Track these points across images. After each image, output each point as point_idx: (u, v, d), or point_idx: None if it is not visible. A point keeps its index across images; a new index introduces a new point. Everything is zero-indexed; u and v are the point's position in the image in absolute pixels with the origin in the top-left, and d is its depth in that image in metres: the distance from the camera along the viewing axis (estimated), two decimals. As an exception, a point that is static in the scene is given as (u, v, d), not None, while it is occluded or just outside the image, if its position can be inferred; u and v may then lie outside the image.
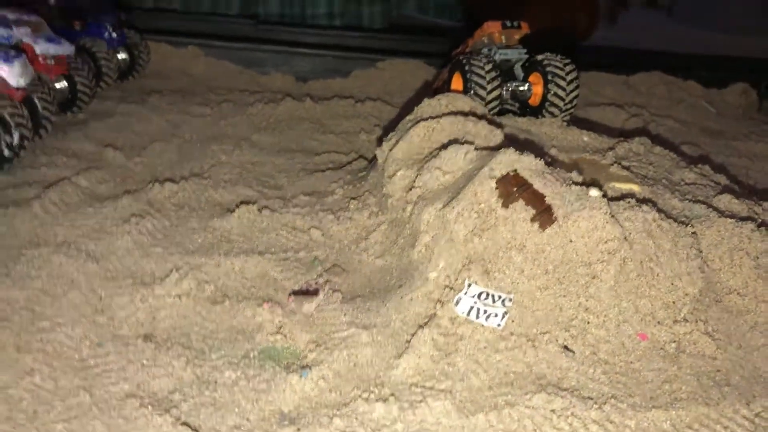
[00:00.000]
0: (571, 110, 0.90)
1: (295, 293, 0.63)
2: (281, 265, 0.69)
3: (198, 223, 0.76)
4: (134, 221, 0.73)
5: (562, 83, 0.88)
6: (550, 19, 2.07)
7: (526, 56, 0.91)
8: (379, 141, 0.87)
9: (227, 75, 1.39)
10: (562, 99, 0.88)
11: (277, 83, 1.38)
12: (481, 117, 0.80)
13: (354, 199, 0.82)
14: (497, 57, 0.89)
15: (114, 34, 1.20)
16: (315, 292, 0.63)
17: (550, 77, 0.88)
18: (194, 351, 0.57)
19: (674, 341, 0.57)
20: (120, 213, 0.76)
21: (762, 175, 1.06)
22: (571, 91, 0.88)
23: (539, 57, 0.90)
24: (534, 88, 0.90)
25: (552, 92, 0.88)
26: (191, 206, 0.80)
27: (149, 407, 0.50)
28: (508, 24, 0.88)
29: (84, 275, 0.64)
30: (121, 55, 1.25)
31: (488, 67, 0.86)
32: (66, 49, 1.03)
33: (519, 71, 0.91)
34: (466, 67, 0.86)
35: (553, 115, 0.90)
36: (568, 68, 0.88)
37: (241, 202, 0.80)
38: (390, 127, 1.09)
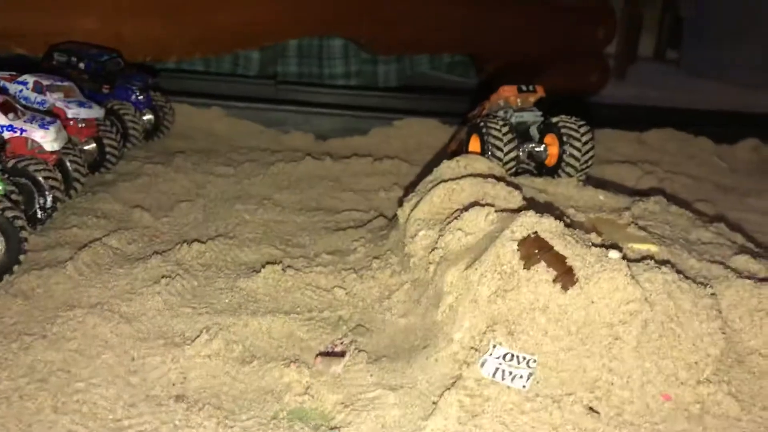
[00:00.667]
0: (587, 170, 0.93)
1: (322, 354, 0.65)
2: (307, 325, 0.71)
3: (225, 283, 0.78)
4: (164, 282, 0.75)
5: (577, 144, 0.90)
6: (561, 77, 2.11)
7: (542, 118, 0.94)
8: (400, 201, 0.89)
9: (249, 134, 1.43)
10: (578, 159, 0.91)
11: (297, 142, 1.42)
12: (499, 179, 0.82)
13: (376, 258, 0.84)
14: (513, 119, 0.92)
15: (141, 97, 1.24)
16: (342, 354, 0.64)
17: (565, 138, 0.90)
18: (225, 411, 0.58)
19: (698, 402, 0.57)
20: (150, 274, 0.78)
21: (777, 231, 1.08)
22: (587, 152, 0.90)
23: (554, 119, 0.93)
24: (550, 149, 0.92)
25: (567, 153, 0.91)
26: (218, 266, 0.82)
27: (183, 469, 0.51)
28: (524, 88, 0.92)
29: (117, 336, 0.66)
30: (147, 116, 1.28)
31: (505, 129, 0.88)
32: (96, 112, 1.07)
33: (535, 133, 0.94)
34: (484, 130, 0.89)
35: (569, 174, 0.92)
36: (582, 129, 0.91)
37: (267, 262, 0.82)
38: (409, 185, 1.12)
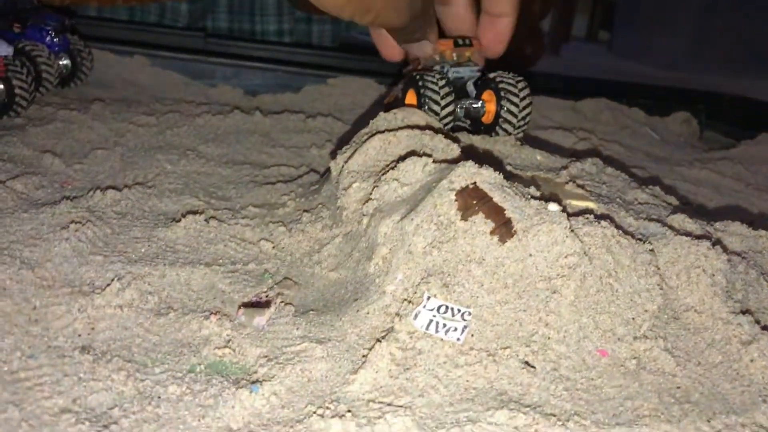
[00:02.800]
0: (524, 127, 0.90)
1: (245, 305, 0.60)
2: (229, 278, 0.66)
3: (141, 232, 0.72)
4: (73, 228, 0.69)
5: (515, 100, 0.87)
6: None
7: (479, 74, 0.90)
8: (333, 154, 0.85)
9: (174, 86, 1.35)
10: (515, 116, 0.88)
11: (225, 96, 1.35)
12: (437, 131, 0.79)
13: (307, 211, 0.80)
14: (450, 74, 0.88)
15: (56, 39, 1.15)
16: (266, 305, 0.60)
17: (503, 94, 0.87)
18: (136, 364, 0.53)
19: (635, 358, 0.56)
20: (58, 219, 0.71)
21: (707, 199, 1.09)
22: (524, 108, 0.88)
23: (492, 75, 0.90)
24: (487, 105, 0.89)
25: (505, 109, 0.87)
26: (134, 215, 0.77)
27: (86, 423, 0.46)
28: (460, 42, 0.88)
29: (17, 283, 0.60)
30: (63, 61, 1.19)
31: (442, 83, 0.85)
32: (3, 50, 0.98)
33: (472, 89, 0.90)
34: (420, 83, 0.85)
35: (506, 132, 0.89)
36: (520, 85, 0.88)
37: (188, 212, 0.77)
38: (342, 142, 1.08)
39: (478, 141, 0.88)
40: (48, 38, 1.14)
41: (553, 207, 0.62)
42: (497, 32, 0.87)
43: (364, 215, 0.70)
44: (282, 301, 0.62)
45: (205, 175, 0.93)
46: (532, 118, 0.93)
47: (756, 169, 1.27)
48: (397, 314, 0.57)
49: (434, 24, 0.86)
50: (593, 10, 5.34)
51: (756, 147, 1.36)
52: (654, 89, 1.78)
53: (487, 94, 0.89)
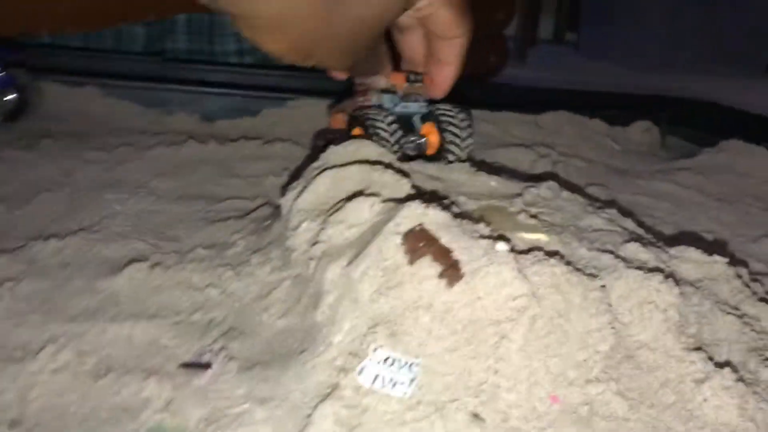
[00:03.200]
0: (469, 154, 0.90)
1: (185, 366, 0.58)
2: (173, 330, 0.64)
3: (83, 284, 0.70)
4: (8, 285, 0.66)
5: (456, 131, 0.88)
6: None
7: (426, 110, 0.90)
8: (284, 190, 0.83)
9: (128, 116, 1.33)
10: (458, 146, 0.88)
11: (181, 124, 1.33)
12: (388, 165, 0.77)
13: (256, 252, 0.78)
14: (397, 109, 0.88)
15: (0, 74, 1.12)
16: (207, 365, 0.58)
17: (444, 126, 0.87)
18: (70, 436, 0.51)
19: (586, 403, 0.55)
20: (-7, 277, 0.69)
21: (666, 214, 1.08)
22: (466, 137, 0.88)
23: (431, 108, 0.89)
24: (429, 138, 0.89)
25: (448, 140, 0.88)
26: (77, 264, 0.74)
27: None
28: (412, 77, 0.87)
29: (-57, 352, 0.57)
30: (9, 96, 1.17)
31: (389, 120, 0.84)
32: (-58, 91, 0.95)
33: (418, 123, 0.90)
34: (368, 123, 0.84)
35: (450, 162, 0.89)
36: (460, 116, 0.88)
37: (132, 259, 0.74)
38: (298, 171, 1.06)
39: (434, 169, 0.87)
40: (-9, 74, 1.11)
41: (501, 246, 0.61)
42: (441, 78, 0.87)
43: (312, 258, 0.68)
44: (226, 356, 0.60)
45: (155, 213, 0.90)
46: (493, 134, 0.92)
47: (716, 178, 1.27)
48: (343, 369, 0.55)
49: (385, 58, 0.85)
50: (559, 10, 5.37)
51: (717, 155, 1.36)
52: (615, 97, 1.78)
53: (428, 127, 0.89)
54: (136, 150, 1.12)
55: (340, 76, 0.90)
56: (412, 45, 0.87)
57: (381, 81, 0.87)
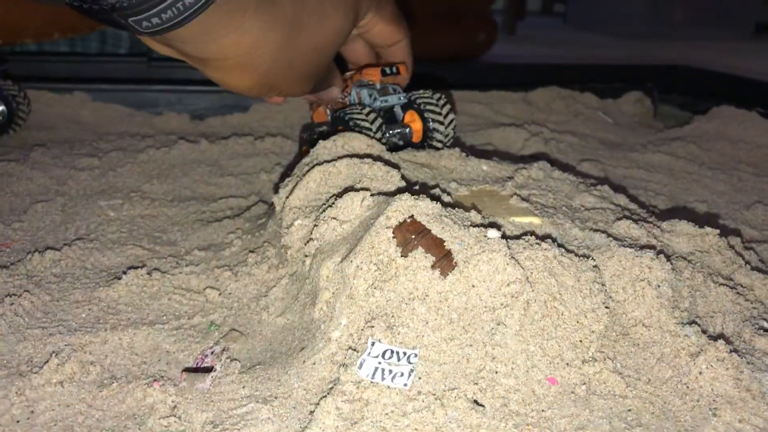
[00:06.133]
0: (452, 137, 0.91)
1: (187, 370, 0.59)
2: (174, 335, 0.65)
3: (82, 294, 0.71)
4: (8, 301, 0.67)
5: (438, 117, 0.88)
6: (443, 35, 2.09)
7: (406, 100, 0.90)
8: (276, 187, 0.83)
9: (117, 119, 1.33)
10: (441, 132, 0.89)
11: (171, 124, 1.33)
12: (377, 158, 0.78)
13: (253, 251, 0.78)
14: (377, 104, 0.88)
15: (-13, 87, 1.12)
16: (209, 369, 0.59)
17: (426, 114, 0.88)
18: (78, 447, 0.52)
19: (584, 383, 0.55)
20: (-7, 292, 0.69)
21: (659, 186, 1.09)
22: (449, 122, 0.88)
23: (411, 96, 0.90)
24: (413, 126, 0.89)
25: (431, 127, 0.88)
26: (75, 275, 0.75)
27: None
28: (387, 71, 0.88)
29: (-51, 372, 0.58)
30: (-2, 108, 1.17)
31: (371, 116, 0.84)
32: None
33: (399, 111, 0.90)
34: (351, 123, 0.84)
35: (436, 148, 0.89)
36: (440, 101, 0.88)
37: (130, 267, 0.75)
38: (289, 168, 1.06)
39: (424, 157, 0.87)
40: (-21, 87, 1.11)
41: (493, 233, 0.62)
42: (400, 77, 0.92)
43: (306, 256, 0.69)
44: (228, 357, 0.61)
45: (149, 218, 0.91)
46: (484, 114, 0.92)
47: (709, 146, 1.27)
48: (343, 364, 0.56)
49: (335, 72, 0.89)
50: (547, -18, 5.34)
51: (708, 123, 1.36)
52: (605, 69, 1.78)
53: (410, 115, 0.89)
54: (127, 154, 1.12)
55: (278, 101, 0.92)
56: (357, 52, 0.93)
57: (334, 92, 0.90)
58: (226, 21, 0.63)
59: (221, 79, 0.70)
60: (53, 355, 0.60)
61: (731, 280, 0.69)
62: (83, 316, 0.67)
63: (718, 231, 0.72)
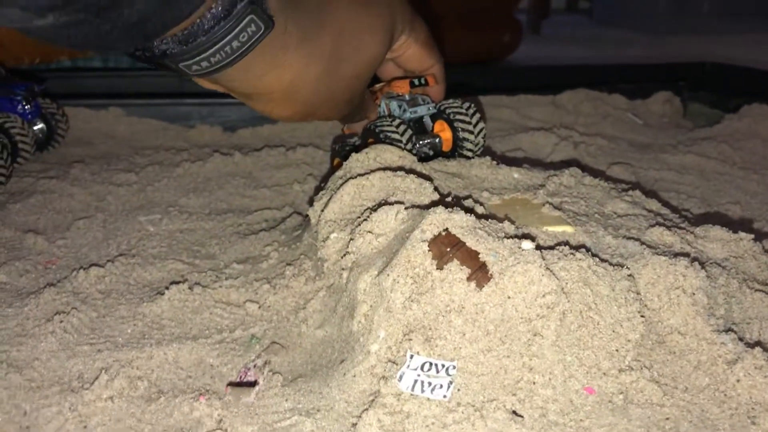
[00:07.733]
0: (483, 146, 0.91)
1: (232, 384, 0.61)
2: (217, 349, 0.67)
3: (127, 310, 0.73)
4: (58, 319, 0.69)
5: (468, 126, 0.89)
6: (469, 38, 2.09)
7: (435, 110, 0.91)
8: (310, 200, 0.85)
9: (152, 133, 1.36)
10: (471, 141, 0.89)
11: (204, 137, 1.35)
12: (409, 171, 0.79)
13: (290, 264, 0.80)
14: (407, 116, 0.89)
15: (27, 106, 1.16)
16: (253, 383, 0.61)
17: (455, 124, 0.89)
18: (130, 461, 0.54)
19: (621, 392, 0.56)
20: (42, 310, 0.72)
21: (691, 188, 1.08)
22: (479, 131, 0.89)
23: (440, 105, 0.91)
24: (442, 135, 0.90)
25: (461, 136, 0.89)
26: (119, 291, 0.77)
27: None
28: (416, 82, 0.89)
29: (6, 389, 0.60)
30: (38, 126, 1.20)
31: (402, 128, 0.86)
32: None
33: (429, 122, 0.92)
34: (381, 136, 0.86)
35: (467, 157, 0.90)
36: (470, 110, 0.89)
37: (172, 281, 0.77)
38: (322, 178, 1.08)
39: (455, 167, 0.88)
40: (19, 107, 1.14)
41: (527, 245, 0.62)
42: (434, 94, 0.93)
43: (343, 269, 0.70)
44: (270, 370, 0.63)
45: (188, 232, 0.93)
46: (512, 119, 0.92)
47: (740, 145, 1.26)
48: (383, 376, 0.57)
49: (370, 101, 0.90)
50: (571, -21, 5.31)
51: (739, 121, 1.35)
52: (633, 69, 1.77)
53: (439, 125, 0.91)
54: (163, 168, 1.15)
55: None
56: (389, 73, 0.94)
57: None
58: (269, 59, 0.66)
59: (264, 109, 0.73)
60: (102, 371, 0.62)
61: (767, 285, 0.69)
62: (129, 331, 0.69)
63: (752, 236, 0.72)
